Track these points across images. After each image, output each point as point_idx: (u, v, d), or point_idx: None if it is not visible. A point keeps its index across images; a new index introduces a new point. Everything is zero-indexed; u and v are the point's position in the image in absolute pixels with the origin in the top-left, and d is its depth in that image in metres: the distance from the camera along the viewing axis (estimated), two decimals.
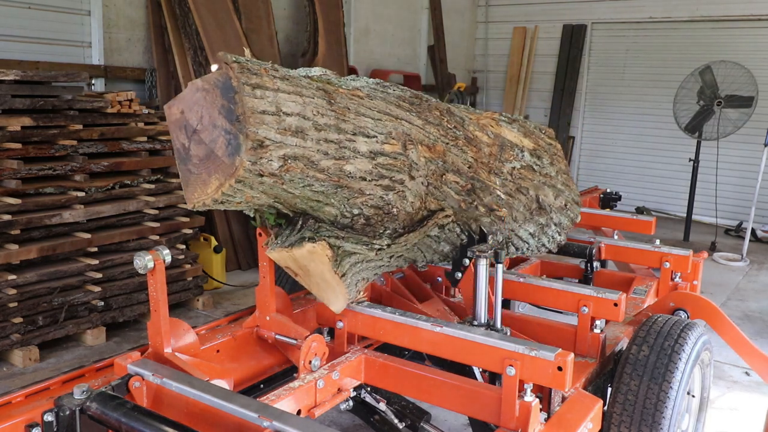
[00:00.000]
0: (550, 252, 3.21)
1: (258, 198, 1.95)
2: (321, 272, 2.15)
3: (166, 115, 1.90)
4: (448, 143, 2.43)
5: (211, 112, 1.77)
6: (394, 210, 2.19)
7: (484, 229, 2.65)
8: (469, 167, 2.52)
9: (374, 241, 2.22)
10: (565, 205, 3.07)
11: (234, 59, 1.76)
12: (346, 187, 2.02)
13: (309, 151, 1.87)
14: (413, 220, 2.34)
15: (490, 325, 2.46)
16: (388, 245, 2.26)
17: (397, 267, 2.59)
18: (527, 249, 2.99)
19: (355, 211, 2.12)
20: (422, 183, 2.29)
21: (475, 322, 2.49)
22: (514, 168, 2.77)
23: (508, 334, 2.47)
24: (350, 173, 1.99)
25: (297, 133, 1.83)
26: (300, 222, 2.16)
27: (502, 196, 2.69)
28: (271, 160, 1.78)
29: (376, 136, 2.08)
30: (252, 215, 2.25)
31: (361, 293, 2.41)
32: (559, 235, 3.11)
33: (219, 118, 1.76)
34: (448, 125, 2.48)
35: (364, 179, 2.04)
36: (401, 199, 2.20)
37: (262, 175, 1.80)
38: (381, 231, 2.24)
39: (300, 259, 2.14)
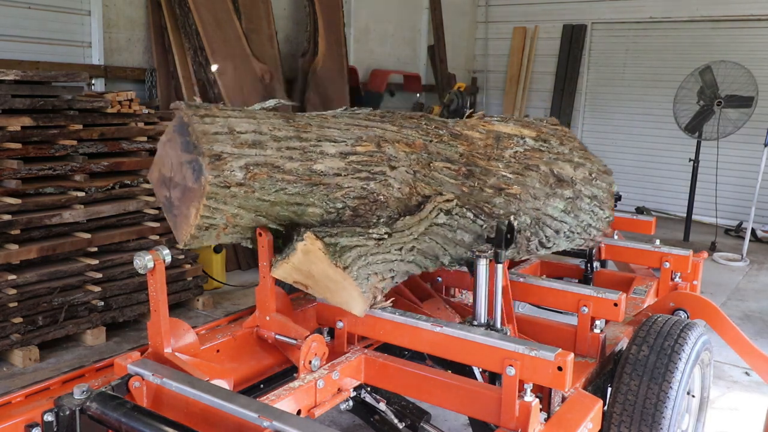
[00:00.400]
0: (604, 236, 3.06)
1: (239, 215, 1.99)
2: (324, 271, 2.13)
3: (151, 182, 2.11)
4: (431, 141, 2.40)
5: (177, 154, 1.96)
6: (381, 197, 2.17)
7: (509, 220, 2.38)
8: (460, 155, 2.48)
9: (370, 231, 2.19)
10: (590, 175, 2.88)
11: (183, 103, 1.95)
12: (321, 184, 2.03)
13: (271, 158, 1.95)
14: (408, 206, 2.31)
15: (490, 325, 2.46)
16: (389, 234, 2.24)
17: (424, 268, 2.44)
18: (569, 230, 2.79)
19: (339, 205, 2.12)
20: (406, 172, 2.27)
21: (475, 322, 2.49)
22: (516, 152, 2.69)
23: (508, 334, 2.47)
24: (321, 171, 2.05)
25: (255, 145, 1.94)
26: (294, 235, 2.16)
27: (509, 175, 2.61)
28: (233, 171, 1.89)
29: (345, 141, 2.11)
30: (249, 246, 2.23)
31: (388, 301, 2.28)
32: (601, 210, 2.92)
33: (183, 155, 1.94)
34: (428, 127, 2.47)
35: (339, 175, 2.06)
36: (386, 187, 2.18)
37: (228, 186, 1.89)
38: (374, 220, 2.22)
39: (300, 266, 2.13)
